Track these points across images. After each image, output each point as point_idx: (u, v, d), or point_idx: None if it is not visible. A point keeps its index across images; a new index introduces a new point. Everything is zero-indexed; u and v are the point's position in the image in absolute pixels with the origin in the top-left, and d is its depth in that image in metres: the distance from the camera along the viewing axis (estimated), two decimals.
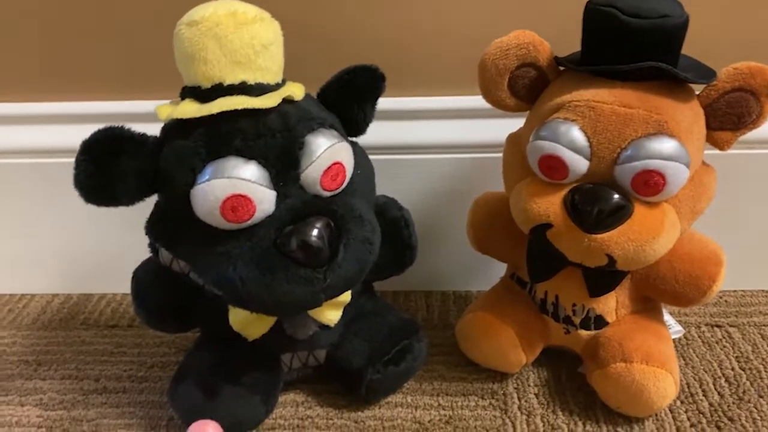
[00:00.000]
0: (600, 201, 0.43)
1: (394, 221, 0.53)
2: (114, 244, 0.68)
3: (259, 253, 0.41)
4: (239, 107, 0.40)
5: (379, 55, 0.51)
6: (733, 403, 0.53)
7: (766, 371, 0.56)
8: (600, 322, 0.52)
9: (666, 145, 0.42)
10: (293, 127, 0.43)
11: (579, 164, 0.44)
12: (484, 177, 0.59)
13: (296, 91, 0.44)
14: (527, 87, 0.48)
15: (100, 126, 0.40)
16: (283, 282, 0.41)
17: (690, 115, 0.44)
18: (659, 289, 0.51)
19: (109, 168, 0.40)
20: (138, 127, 0.42)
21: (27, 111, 0.64)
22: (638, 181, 0.43)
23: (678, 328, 0.60)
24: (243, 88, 0.42)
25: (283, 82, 0.46)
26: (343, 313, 0.52)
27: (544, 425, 0.52)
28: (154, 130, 0.44)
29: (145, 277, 0.51)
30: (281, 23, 0.44)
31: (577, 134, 0.43)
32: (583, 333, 0.53)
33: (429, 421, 0.53)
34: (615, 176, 0.44)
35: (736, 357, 0.58)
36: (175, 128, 0.42)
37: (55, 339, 0.65)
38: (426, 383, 0.56)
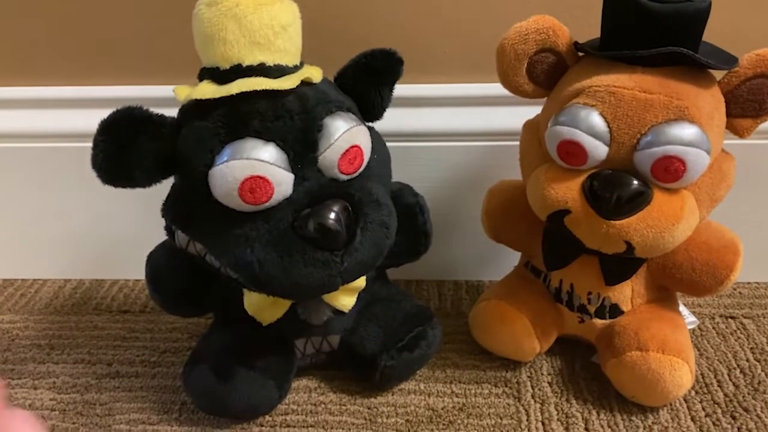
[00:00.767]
0: (619, 187, 0.43)
1: (409, 207, 0.52)
2: (126, 231, 0.68)
3: (276, 235, 0.41)
4: (258, 88, 0.40)
5: (395, 41, 0.51)
6: (748, 393, 0.53)
7: None
8: (615, 310, 0.52)
9: (687, 131, 0.42)
10: (312, 109, 0.42)
11: (598, 150, 0.43)
12: (499, 165, 0.59)
13: (314, 73, 0.44)
14: (546, 72, 0.48)
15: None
16: (301, 265, 0.41)
17: (711, 101, 0.43)
18: (675, 277, 0.50)
19: (127, 149, 0.40)
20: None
21: (41, 95, 0.64)
22: (658, 168, 0.42)
23: (692, 319, 0.60)
24: (262, 70, 0.42)
25: (301, 64, 0.45)
26: (358, 299, 0.52)
27: (558, 413, 0.52)
28: (170, 115, 0.44)
29: (159, 262, 0.51)
30: (299, 6, 0.44)
31: (596, 120, 0.43)
32: (598, 322, 0.53)
33: (442, 408, 0.52)
34: (634, 162, 0.43)
35: (751, 348, 0.58)
36: (194, 109, 0.42)
37: (67, 324, 0.65)
38: (439, 371, 0.56)
